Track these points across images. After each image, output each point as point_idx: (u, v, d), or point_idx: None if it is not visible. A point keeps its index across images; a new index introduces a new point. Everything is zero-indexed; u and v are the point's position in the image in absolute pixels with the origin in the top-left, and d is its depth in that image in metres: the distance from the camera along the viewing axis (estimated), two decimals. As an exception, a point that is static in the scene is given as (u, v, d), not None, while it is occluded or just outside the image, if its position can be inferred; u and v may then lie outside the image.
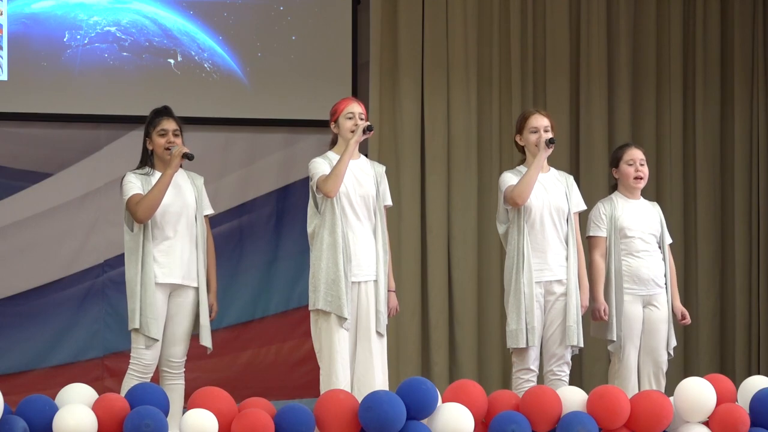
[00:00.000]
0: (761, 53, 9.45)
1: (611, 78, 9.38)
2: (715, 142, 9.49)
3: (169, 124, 6.38)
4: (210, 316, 6.47)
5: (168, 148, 6.34)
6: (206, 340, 6.39)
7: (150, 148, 6.41)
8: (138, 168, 6.43)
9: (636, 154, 7.01)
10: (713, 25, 9.48)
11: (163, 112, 6.45)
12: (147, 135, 6.42)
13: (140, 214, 6.23)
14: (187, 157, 6.32)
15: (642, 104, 9.44)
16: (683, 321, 7.02)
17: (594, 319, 6.87)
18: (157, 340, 6.25)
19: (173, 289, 6.34)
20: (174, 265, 6.31)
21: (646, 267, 6.90)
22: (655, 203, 7.19)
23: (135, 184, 6.31)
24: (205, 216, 6.50)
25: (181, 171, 6.43)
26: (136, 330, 6.25)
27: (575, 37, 9.35)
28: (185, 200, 6.39)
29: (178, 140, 6.37)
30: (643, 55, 9.44)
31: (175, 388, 6.29)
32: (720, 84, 9.52)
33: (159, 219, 6.29)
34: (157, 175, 6.35)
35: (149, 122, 6.42)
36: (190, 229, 6.38)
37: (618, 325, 6.84)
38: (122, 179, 6.38)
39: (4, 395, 5.21)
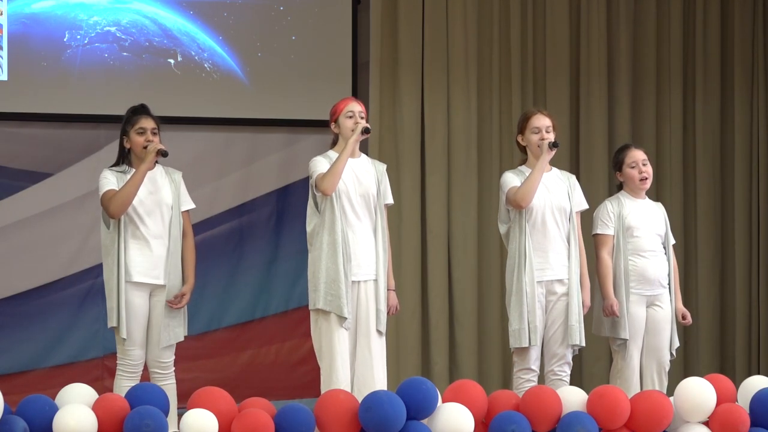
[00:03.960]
0: (761, 53, 9.45)
1: (611, 78, 9.38)
2: (715, 142, 9.49)
3: (148, 123, 6.34)
4: (179, 302, 6.30)
5: (146, 147, 6.32)
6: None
7: (127, 146, 6.37)
8: (115, 165, 6.39)
9: (637, 156, 7.02)
10: (713, 25, 9.48)
11: (141, 110, 6.40)
12: (124, 133, 6.37)
13: (112, 209, 6.20)
14: (162, 153, 6.28)
15: (642, 104, 9.44)
16: (684, 321, 7.02)
17: (605, 315, 6.87)
18: (125, 339, 6.19)
19: (153, 289, 6.31)
20: (150, 264, 6.27)
21: (652, 267, 6.91)
22: (659, 204, 7.20)
23: (110, 180, 6.27)
24: (185, 211, 6.46)
25: (158, 167, 6.38)
26: (115, 328, 6.24)
27: (575, 37, 9.35)
28: (161, 197, 6.34)
29: (156, 139, 6.34)
30: (643, 55, 9.44)
31: (166, 388, 6.27)
32: (720, 84, 9.52)
33: (134, 216, 6.26)
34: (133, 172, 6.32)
35: (126, 120, 6.37)
36: (167, 226, 6.35)
37: (627, 323, 6.86)
38: (99, 176, 6.34)
39: (4, 395, 5.21)
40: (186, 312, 6.42)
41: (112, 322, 6.23)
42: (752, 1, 9.49)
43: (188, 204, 6.48)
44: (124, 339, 6.21)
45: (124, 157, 6.39)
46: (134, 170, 6.31)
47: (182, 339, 6.39)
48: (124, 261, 6.21)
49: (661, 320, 6.94)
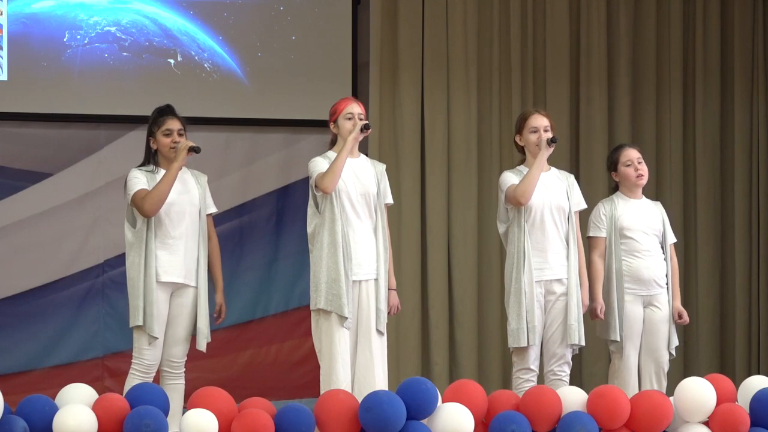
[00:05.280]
0: (761, 53, 9.45)
1: (611, 78, 9.38)
2: (715, 142, 9.49)
3: (174, 124, 6.37)
4: (219, 317, 6.48)
5: (173, 147, 6.34)
6: (201, 344, 6.37)
7: (154, 147, 6.40)
8: (142, 165, 6.42)
9: (632, 154, 7.02)
10: (713, 25, 9.48)
11: (167, 111, 6.43)
12: (150, 134, 6.41)
13: (147, 208, 6.21)
14: (194, 150, 6.31)
15: (642, 104, 9.44)
16: (680, 321, 7.02)
17: (591, 318, 6.89)
18: (157, 338, 6.24)
19: (175, 289, 6.33)
20: (176, 264, 6.30)
21: (646, 267, 6.91)
22: (658, 202, 7.19)
23: (140, 180, 6.30)
24: (209, 214, 6.49)
25: (185, 169, 6.43)
26: (138, 328, 6.24)
27: (575, 37, 9.35)
28: (190, 198, 6.38)
29: (183, 139, 6.37)
30: (643, 55, 9.44)
31: (175, 387, 6.28)
32: (720, 84, 9.52)
33: (163, 216, 6.28)
34: (162, 172, 6.33)
35: (153, 121, 6.40)
36: (194, 227, 6.37)
37: (619, 325, 6.85)
38: (127, 176, 6.36)
39: (4, 395, 5.21)
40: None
41: (136, 321, 6.23)
42: (752, 1, 9.50)
43: (212, 207, 6.51)
44: (156, 338, 6.22)
45: (151, 158, 6.41)
46: (162, 170, 6.34)
47: (210, 340, 6.44)
48: (153, 260, 6.23)
49: (659, 321, 6.94)
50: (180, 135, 6.37)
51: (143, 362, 6.26)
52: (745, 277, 9.36)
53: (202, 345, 6.37)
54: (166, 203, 6.25)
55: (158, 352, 6.28)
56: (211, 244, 6.46)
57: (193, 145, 6.31)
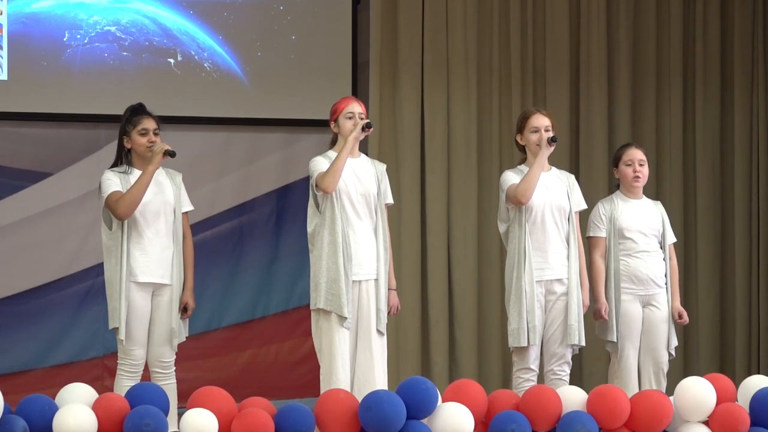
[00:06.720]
0: (761, 53, 9.45)
1: (611, 78, 9.38)
2: (715, 142, 9.50)
3: (150, 123, 6.34)
4: (186, 313, 6.41)
5: (149, 147, 6.32)
6: (173, 343, 6.32)
7: (128, 146, 6.36)
8: (114, 166, 6.40)
9: (635, 155, 7.02)
10: (713, 25, 9.48)
11: (141, 110, 6.39)
12: (124, 133, 6.36)
13: (121, 211, 6.20)
14: (169, 154, 6.28)
15: (642, 104, 9.44)
16: (680, 321, 7.02)
17: (595, 318, 6.89)
18: (134, 338, 6.22)
19: (155, 289, 6.31)
20: (153, 264, 6.28)
21: (644, 267, 6.91)
22: (658, 202, 7.19)
23: (114, 182, 6.28)
24: (184, 213, 6.47)
25: (159, 168, 6.38)
26: (117, 329, 6.24)
27: (575, 37, 9.35)
28: (165, 198, 6.35)
29: (158, 139, 6.35)
30: (643, 55, 9.44)
31: (167, 387, 6.27)
32: (720, 84, 9.52)
33: (138, 217, 6.26)
34: (136, 172, 6.31)
35: (127, 120, 6.36)
36: (169, 227, 6.36)
37: (616, 325, 6.85)
38: (101, 177, 6.35)
39: (4, 395, 5.21)
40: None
41: (114, 323, 6.24)
42: (752, 1, 9.50)
43: (188, 206, 6.49)
44: (122, 340, 6.21)
45: (125, 157, 6.39)
46: (136, 170, 6.32)
47: (183, 339, 6.41)
48: (128, 262, 6.22)
49: (657, 320, 6.94)
50: (156, 134, 6.34)
51: (128, 362, 6.26)
52: (745, 277, 9.36)
53: (173, 344, 6.34)
54: (142, 204, 6.23)
55: (142, 351, 6.28)
56: (185, 243, 6.42)
57: (169, 149, 6.28)
